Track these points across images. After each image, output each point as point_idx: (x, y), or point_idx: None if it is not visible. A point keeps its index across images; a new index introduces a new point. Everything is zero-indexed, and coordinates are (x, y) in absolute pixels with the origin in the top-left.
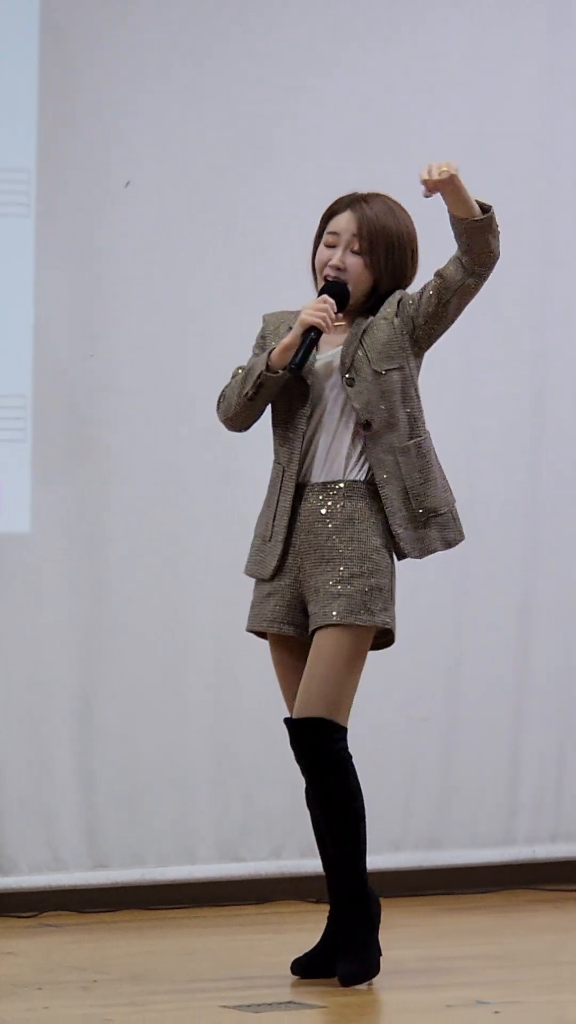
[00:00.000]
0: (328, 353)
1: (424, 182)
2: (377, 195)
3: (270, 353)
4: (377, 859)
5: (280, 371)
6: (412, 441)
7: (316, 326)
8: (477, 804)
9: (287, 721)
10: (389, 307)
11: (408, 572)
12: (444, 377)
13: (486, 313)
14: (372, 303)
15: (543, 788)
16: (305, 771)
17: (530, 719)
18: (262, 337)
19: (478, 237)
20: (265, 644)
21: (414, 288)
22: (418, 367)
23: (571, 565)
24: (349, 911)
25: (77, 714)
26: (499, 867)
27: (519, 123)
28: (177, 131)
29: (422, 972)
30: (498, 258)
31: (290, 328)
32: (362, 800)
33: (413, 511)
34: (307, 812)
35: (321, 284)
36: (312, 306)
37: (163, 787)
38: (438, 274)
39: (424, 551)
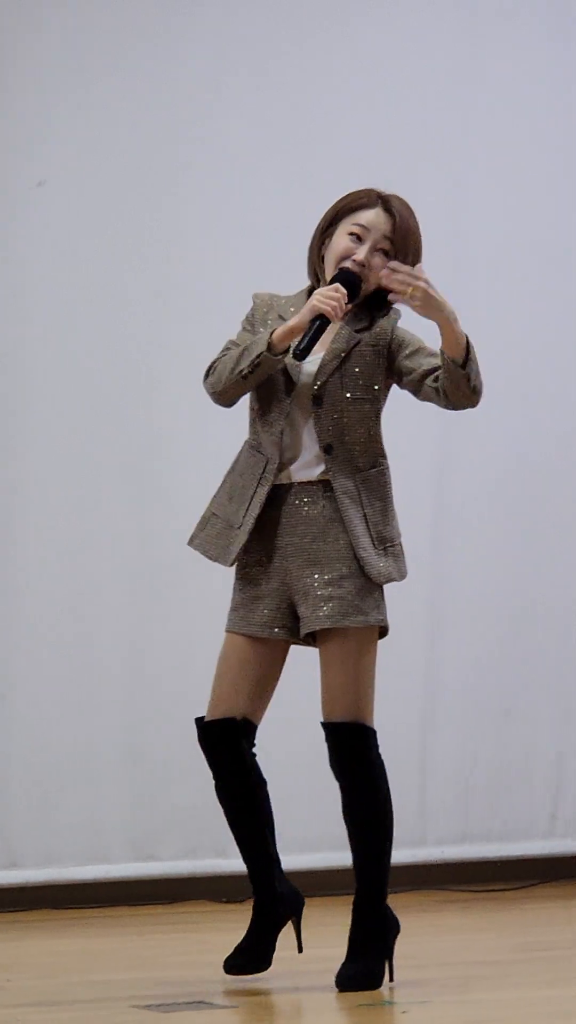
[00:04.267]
0: (317, 356)
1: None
2: (398, 197)
3: (272, 333)
4: (290, 859)
5: (280, 355)
6: (374, 469)
7: (325, 314)
8: None
9: (327, 725)
10: (383, 334)
11: None
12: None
13: None
14: (370, 303)
15: (452, 790)
16: (339, 777)
17: (438, 722)
18: (252, 316)
19: (455, 382)
20: (173, 642)
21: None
22: (386, 398)
23: (479, 565)
24: (365, 916)
25: None
26: (409, 868)
27: (436, 126)
28: (92, 130)
29: (330, 972)
30: (479, 397)
31: (281, 317)
32: (391, 810)
33: (373, 539)
34: (220, 810)
35: (333, 272)
36: (324, 292)
37: (76, 786)
38: (424, 376)
39: (386, 578)
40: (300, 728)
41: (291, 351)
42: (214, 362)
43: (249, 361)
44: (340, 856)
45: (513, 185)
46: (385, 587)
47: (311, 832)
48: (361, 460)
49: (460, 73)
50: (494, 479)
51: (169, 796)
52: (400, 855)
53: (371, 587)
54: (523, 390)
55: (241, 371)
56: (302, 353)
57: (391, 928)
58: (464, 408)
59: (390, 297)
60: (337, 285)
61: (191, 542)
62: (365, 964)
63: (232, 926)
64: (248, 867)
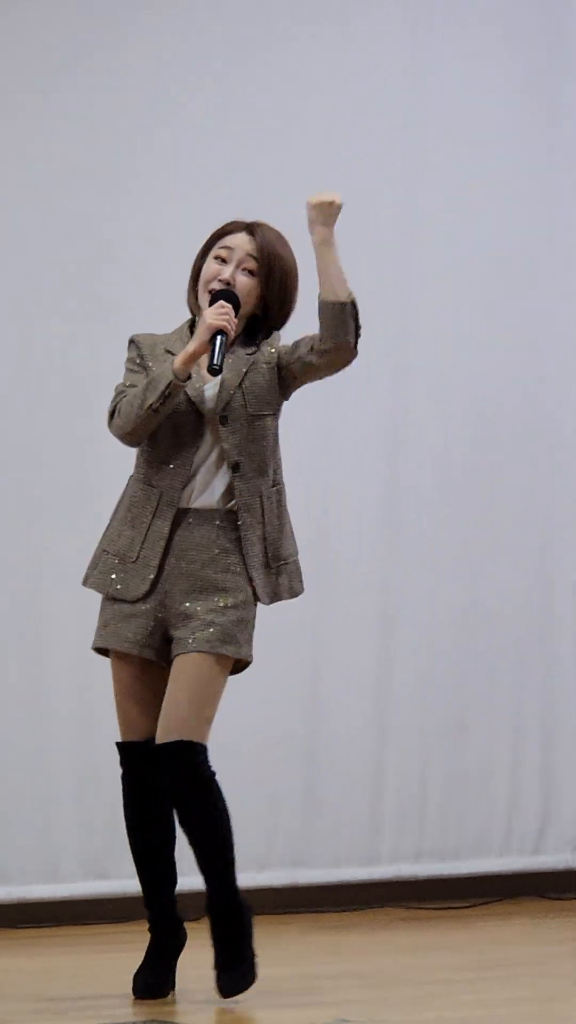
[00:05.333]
0: (214, 383)
1: (313, 203)
2: (268, 225)
3: (172, 362)
4: (242, 877)
5: (185, 381)
6: (275, 488)
7: (223, 329)
8: (341, 823)
9: (159, 747)
10: (271, 348)
11: None
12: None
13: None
14: (249, 331)
15: (406, 807)
16: (172, 795)
17: (394, 738)
18: (139, 357)
19: (340, 325)
20: None
21: (291, 334)
22: (279, 416)
23: (431, 581)
24: (223, 925)
25: None
26: (363, 885)
27: (381, 145)
28: (38, 147)
29: (286, 991)
30: (355, 356)
31: (169, 352)
32: (229, 816)
33: (267, 557)
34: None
35: (206, 297)
36: (213, 312)
37: (27, 804)
38: (304, 347)
39: (274, 598)
40: (243, 747)
41: (208, 367)
42: (114, 406)
43: (158, 393)
44: (286, 874)
45: (467, 196)
46: (331, 605)
47: (256, 851)
48: (262, 479)
49: (411, 89)
50: (446, 495)
51: (119, 814)
52: (354, 872)
53: (248, 619)
54: (473, 397)
55: (151, 405)
56: (218, 368)
57: (248, 921)
58: (344, 363)
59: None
60: (220, 302)
61: (85, 582)
62: (239, 968)
63: (187, 944)
64: (156, 891)
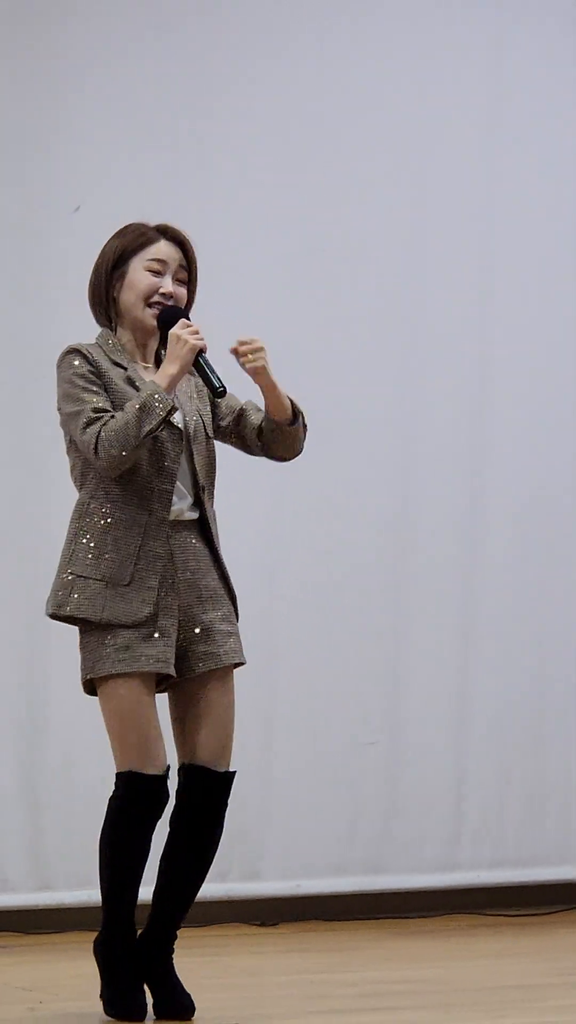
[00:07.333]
0: (183, 396)
1: (239, 355)
2: (172, 225)
3: (163, 387)
4: (320, 883)
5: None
6: (213, 507)
7: (203, 348)
8: (421, 829)
9: (213, 773)
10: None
11: (347, 597)
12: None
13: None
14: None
15: (486, 815)
16: (205, 821)
17: (474, 746)
18: (92, 373)
19: (287, 439)
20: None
21: None
22: None
23: (511, 590)
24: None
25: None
26: (442, 892)
27: (458, 146)
28: (124, 153)
29: (363, 996)
30: (301, 452)
31: (119, 364)
32: None
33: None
34: (237, 837)
35: (142, 309)
36: (186, 333)
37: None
38: (247, 426)
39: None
40: (324, 752)
41: (216, 392)
42: (97, 432)
43: (160, 419)
44: (365, 880)
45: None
46: (411, 615)
47: (335, 857)
48: (212, 498)
49: (483, 81)
50: (521, 510)
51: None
52: (433, 879)
53: None
54: (546, 422)
55: (151, 431)
56: (224, 389)
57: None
58: (286, 459)
59: (241, 361)
60: (184, 321)
61: (60, 610)
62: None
63: (264, 950)
64: (127, 915)
